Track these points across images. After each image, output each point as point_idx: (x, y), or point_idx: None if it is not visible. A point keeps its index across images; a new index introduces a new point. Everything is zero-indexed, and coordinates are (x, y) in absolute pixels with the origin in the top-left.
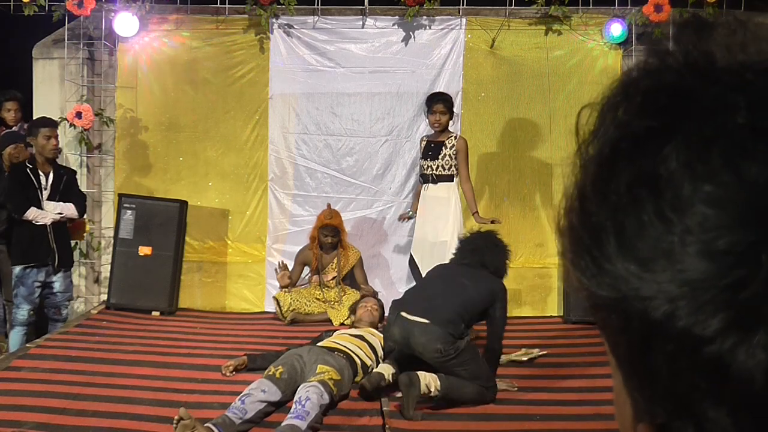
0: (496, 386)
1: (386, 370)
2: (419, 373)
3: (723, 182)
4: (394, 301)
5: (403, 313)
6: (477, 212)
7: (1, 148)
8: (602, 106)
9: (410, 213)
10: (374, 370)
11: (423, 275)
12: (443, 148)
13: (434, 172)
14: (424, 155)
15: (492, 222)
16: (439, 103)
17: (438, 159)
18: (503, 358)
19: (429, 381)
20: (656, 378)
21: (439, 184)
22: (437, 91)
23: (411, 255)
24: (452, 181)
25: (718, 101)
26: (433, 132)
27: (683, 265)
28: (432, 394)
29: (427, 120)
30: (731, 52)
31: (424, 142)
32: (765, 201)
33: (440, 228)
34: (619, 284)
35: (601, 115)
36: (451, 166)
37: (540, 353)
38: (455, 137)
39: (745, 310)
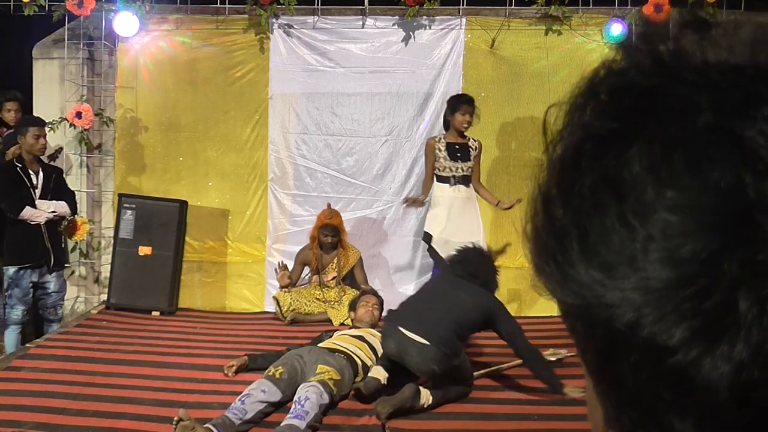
0: (473, 377)
1: (380, 374)
2: (422, 389)
3: (685, 187)
4: (390, 311)
5: (401, 328)
6: (499, 201)
7: (4, 149)
8: (569, 105)
9: (423, 198)
10: (369, 374)
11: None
12: (470, 150)
13: (464, 173)
14: (452, 157)
15: (518, 202)
16: (468, 104)
17: (469, 160)
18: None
19: (428, 397)
20: (622, 386)
21: (468, 185)
22: (461, 93)
23: (432, 247)
24: (470, 182)
25: (682, 102)
26: (451, 133)
27: (647, 273)
28: (425, 407)
29: (452, 119)
30: (702, 51)
31: (444, 144)
32: (727, 207)
33: (475, 228)
34: (584, 291)
35: (568, 115)
36: (470, 167)
37: (567, 354)
38: (474, 139)
39: (709, 320)
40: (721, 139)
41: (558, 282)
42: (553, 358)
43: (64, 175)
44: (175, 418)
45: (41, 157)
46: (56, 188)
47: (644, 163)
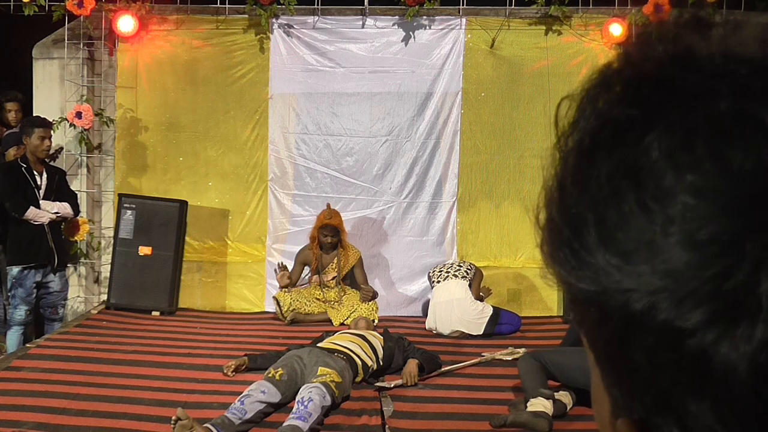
0: None
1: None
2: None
3: (706, 171)
4: None
5: None
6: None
7: (4, 149)
8: (582, 97)
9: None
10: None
11: None
12: None
13: None
14: None
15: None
16: None
17: None
18: (488, 356)
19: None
20: (635, 372)
21: None
22: None
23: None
24: None
25: (701, 88)
26: None
27: (665, 256)
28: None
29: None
30: (712, 45)
31: None
32: (749, 190)
33: None
34: (600, 277)
35: (581, 106)
36: None
37: (525, 353)
38: None
39: (729, 302)
40: (743, 124)
41: (573, 269)
42: (509, 357)
43: (66, 177)
44: (173, 418)
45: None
46: (59, 189)
47: (663, 149)
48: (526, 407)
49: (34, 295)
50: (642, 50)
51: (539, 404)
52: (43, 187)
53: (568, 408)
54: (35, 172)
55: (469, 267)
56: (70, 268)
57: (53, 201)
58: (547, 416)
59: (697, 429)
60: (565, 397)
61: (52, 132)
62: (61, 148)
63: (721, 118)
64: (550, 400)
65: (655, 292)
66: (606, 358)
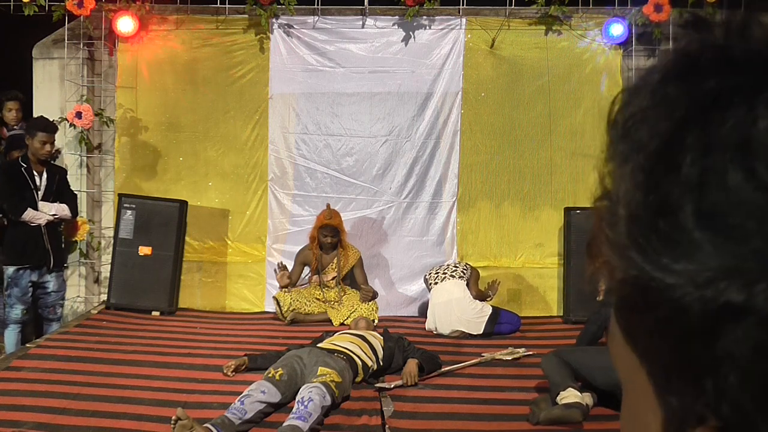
0: None
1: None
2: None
3: None
4: None
5: None
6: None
7: (7, 151)
8: (652, 82)
9: None
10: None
11: None
12: None
13: None
14: None
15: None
16: None
17: None
18: (487, 356)
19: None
20: (728, 367)
21: None
22: None
23: None
24: None
25: None
26: None
27: None
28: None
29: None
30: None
31: None
32: None
33: None
34: (695, 258)
35: (647, 94)
36: None
37: (525, 353)
38: None
39: None
40: None
41: (656, 253)
42: (509, 357)
43: (67, 177)
44: (173, 418)
45: None
46: (59, 190)
47: None
48: (555, 403)
49: (30, 295)
50: (722, 33)
51: (571, 395)
52: (42, 187)
53: (590, 408)
54: (35, 173)
55: (465, 267)
56: (70, 268)
57: (52, 202)
58: (580, 405)
59: None
60: (587, 397)
61: (55, 137)
62: (59, 150)
63: None
64: (582, 392)
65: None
66: (676, 361)
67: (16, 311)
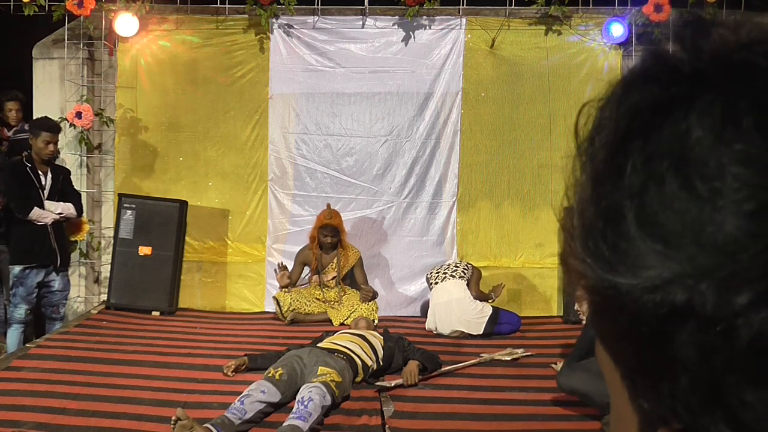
0: None
1: None
2: None
3: (754, 140)
4: None
5: None
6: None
7: (11, 155)
8: (606, 98)
9: None
10: None
11: None
12: None
13: None
14: None
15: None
16: None
17: None
18: (487, 356)
19: None
20: (680, 372)
21: None
22: None
23: None
24: None
25: (739, 66)
26: None
27: (714, 230)
28: None
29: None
30: (734, 35)
31: None
32: None
33: None
34: (639, 267)
35: (606, 106)
36: None
37: (524, 354)
38: None
39: None
40: None
41: (608, 262)
42: (508, 358)
43: (71, 176)
44: (173, 418)
45: None
46: (64, 189)
47: (707, 126)
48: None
49: (35, 295)
50: (664, 53)
51: None
52: (48, 187)
53: None
54: (40, 172)
55: (466, 267)
56: (70, 268)
57: (57, 201)
58: None
59: (752, 421)
60: None
61: (58, 138)
62: (58, 152)
63: (762, 90)
64: None
65: (704, 274)
66: (639, 364)
67: (20, 311)
